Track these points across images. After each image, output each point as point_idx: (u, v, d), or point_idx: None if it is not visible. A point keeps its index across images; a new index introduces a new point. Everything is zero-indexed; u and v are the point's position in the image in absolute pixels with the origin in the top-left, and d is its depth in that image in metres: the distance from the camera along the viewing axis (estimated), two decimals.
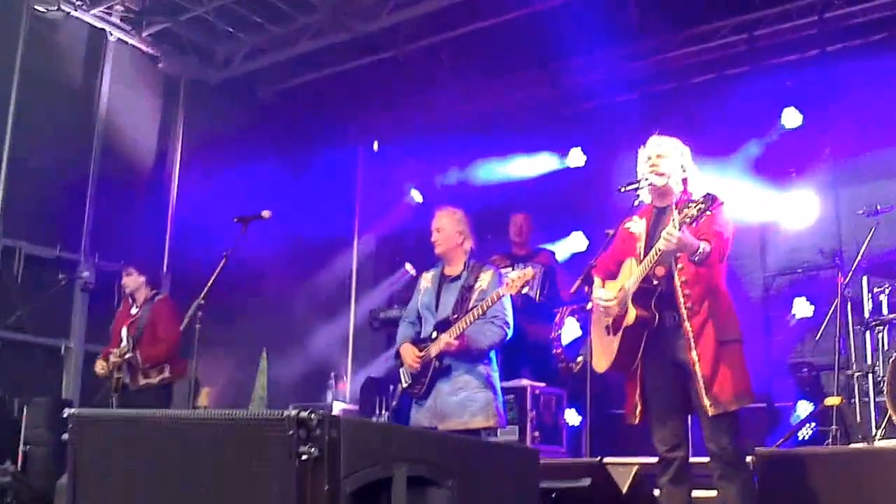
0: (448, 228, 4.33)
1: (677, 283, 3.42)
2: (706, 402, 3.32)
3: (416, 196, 8.88)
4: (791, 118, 7.05)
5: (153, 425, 2.64)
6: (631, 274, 3.51)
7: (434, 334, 4.19)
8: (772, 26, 7.17)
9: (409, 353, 4.24)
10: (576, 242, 7.75)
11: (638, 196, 3.63)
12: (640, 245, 3.56)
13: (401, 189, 8.97)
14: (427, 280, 4.43)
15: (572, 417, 6.74)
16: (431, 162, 8.80)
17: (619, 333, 3.48)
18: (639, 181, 3.59)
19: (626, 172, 4.03)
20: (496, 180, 8.45)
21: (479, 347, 4.13)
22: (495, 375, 4.24)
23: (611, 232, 3.77)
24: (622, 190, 3.64)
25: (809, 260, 6.88)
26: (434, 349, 4.15)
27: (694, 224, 3.26)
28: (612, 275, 3.67)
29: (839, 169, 6.97)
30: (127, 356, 5.44)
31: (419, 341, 4.30)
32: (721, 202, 3.46)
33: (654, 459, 3.56)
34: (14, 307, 6.26)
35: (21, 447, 5.59)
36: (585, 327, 6.30)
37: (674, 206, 3.34)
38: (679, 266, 3.41)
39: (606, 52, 7.74)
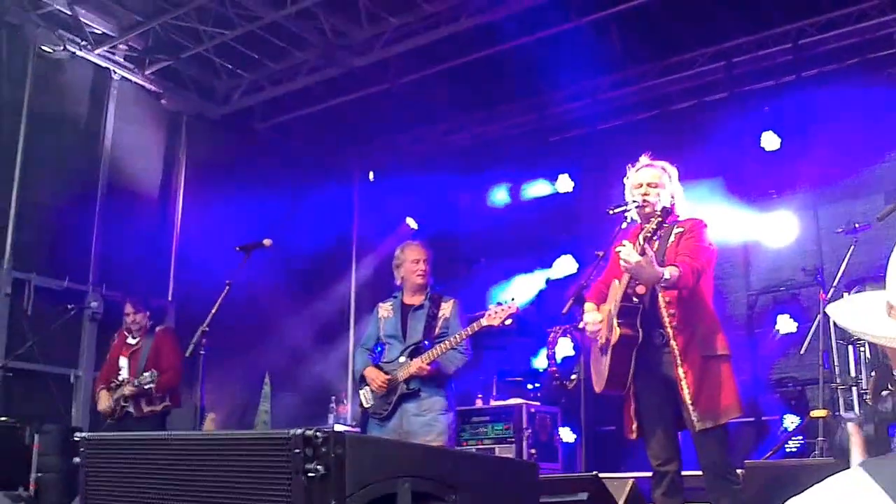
0: (428, 263, 4.53)
1: (661, 302, 3.50)
2: (693, 417, 3.40)
3: (412, 223, 9.05)
4: (770, 141, 7.22)
5: (163, 447, 2.67)
6: (615, 294, 3.61)
7: (402, 359, 4.38)
8: (749, 53, 7.41)
9: (377, 377, 4.41)
10: (566, 265, 7.94)
11: (626, 219, 3.72)
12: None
13: (396, 217, 9.13)
14: (386, 310, 4.61)
15: (567, 435, 6.87)
16: (425, 190, 8.99)
17: (609, 353, 3.58)
18: (626, 204, 3.69)
19: (613, 196, 4.18)
20: (487, 206, 8.67)
21: (446, 373, 4.37)
22: (454, 400, 4.49)
23: (601, 253, 3.85)
24: (611, 212, 3.75)
25: (791, 278, 7.05)
26: (403, 373, 4.35)
27: (657, 238, 3.37)
28: (604, 297, 3.76)
29: (818, 189, 7.13)
30: (147, 386, 5.47)
31: (381, 366, 4.48)
32: (704, 224, 3.59)
33: (649, 474, 3.64)
34: (25, 338, 6.37)
35: (33, 474, 5.65)
36: (578, 346, 6.49)
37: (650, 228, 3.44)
38: (662, 286, 3.49)
39: (591, 81, 8.03)
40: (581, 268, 7.63)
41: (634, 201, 3.64)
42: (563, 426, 6.79)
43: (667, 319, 3.49)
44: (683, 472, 3.59)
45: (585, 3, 6.77)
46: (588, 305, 3.79)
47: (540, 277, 8.10)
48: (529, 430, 6.34)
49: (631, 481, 4.13)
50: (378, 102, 8.47)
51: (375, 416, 4.46)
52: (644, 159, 3.77)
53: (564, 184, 8.28)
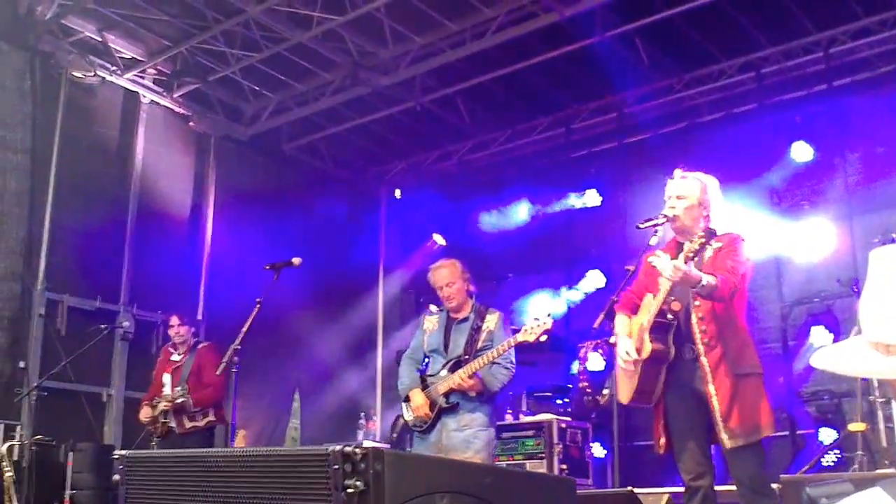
0: (457, 281, 4.45)
1: (694, 319, 3.46)
2: (724, 435, 3.35)
3: (439, 240, 9.06)
4: (802, 152, 7.12)
5: (199, 464, 2.68)
6: (649, 308, 3.56)
7: (444, 373, 4.33)
8: (778, 63, 7.34)
9: (420, 408, 4.34)
10: (595, 280, 7.89)
11: (656, 232, 3.66)
12: (662, 280, 3.56)
13: (423, 233, 9.16)
14: (432, 322, 4.57)
15: (597, 450, 6.79)
16: (452, 206, 9.02)
17: (640, 366, 3.54)
18: (656, 218, 3.65)
19: (641, 210, 4.13)
20: (514, 222, 8.65)
21: (492, 388, 4.26)
22: (495, 416, 4.40)
23: (631, 268, 3.79)
24: (641, 226, 3.69)
25: (825, 289, 6.92)
26: (443, 386, 4.29)
27: (697, 258, 3.32)
28: (636, 308, 3.71)
29: (852, 199, 7.03)
30: (179, 400, 5.55)
31: (426, 377, 4.44)
32: (739, 238, 3.53)
33: (683, 489, 3.57)
34: (59, 357, 6.46)
35: (67, 491, 5.75)
36: (610, 361, 6.42)
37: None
38: (696, 303, 3.46)
39: (618, 95, 8.01)
40: (609, 282, 7.57)
41: (665, 214, 3.61)
42: (594, 441, 6.70)
43: (699, 336, 3.45)
44: (719, 488, 3.52)
45: (611, 17, 6.76)
46: (620, 318, 3.73)
47: (569, 293, 8.05)
48: (560, 446, 6.27)
49: (666, 496, 4.07)
50: (403, 121, 8.54)
51: (416, 429, 4.41)
52: (677, 172, 3.73)
53: (592, 198, 8.24)
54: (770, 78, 7.44)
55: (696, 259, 3.33)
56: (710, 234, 3.33)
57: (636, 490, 4.28)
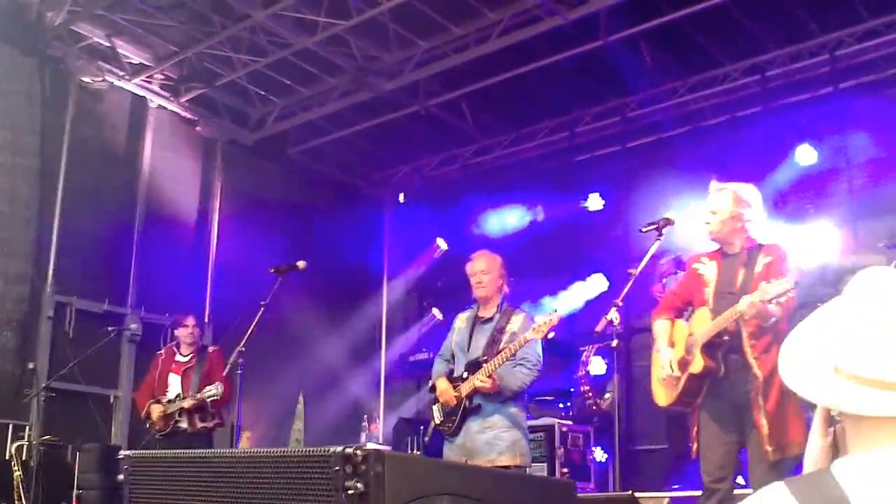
0: (493, 272, 4.44)
1: (744, 333, 3.47)
2: (768, 447, 3.35)
3: (442, 244, 9.08)
4: (806, 155, 7.05)
5: (203, 465, 2.71)
6: (703, 323, 3.55)
7: (465, 374, 4.31)
8: (783, 66, 7.31)
9: (447, 390, 4.34)
10: (597, 283, 7.89)
11: (658, 237, 3.74)
12: (709, 291, 3.61)
13: (427, 238, 9.17)
14: (462, 321, 4.55)
15: (598, 454, 6.80)
16: (455, 210, 9.03)
17: (685, 377, 3.56)
18: (658, 223, 3.72)
19: (645, 214, 4.15)
20: (516, 226, 8.66)
21: (511, 389, 4.22)
22: (522, 415, 4.34)
23: (633, 272, 3.85)
24: (643, 230, 3.77)
25: (831, 293, 6.88)
26: (465, 388, 4.26)
27: (742, 267, 3.35)
28: (679, 312, 3.73)
29: (857, 203, 6.97)
30: (210, 398, 5.53)
31: (451, 379, 4.40)
32: (786, 252, 3.55)
33: (684, 493, 3.66)
34: (67, 359, 6.53)
35: (74, 491, 5.82)
36: (611, 365, 6.43)
37: (744, 257, 3.46)
38: (745, 317, 3.45)
39: (622, 98, 8.01)
40: (612, 286, 7.58)
41: (666, 218, 3.71)
42: (596, 445, 6.71)
43: (748, 350, 3.46)
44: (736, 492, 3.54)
45: (615, 20, 6.77)
46: (662, 324, 3.73)
47: (571, 296, 8.06)
48: (562, 450, 6.29)
49: (666, 500, 4.09)
50: (408, 125, 8.57)
51: (444, 431, 4.39)
52: (713, 185, 3.73)
53: (595, 202, 8.24)
54: (775, 81, 7.39)
55: (740, 267, 3.37)
56: (787, 285, 3.28)
57: (637, 494, 4.30)
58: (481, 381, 4.17)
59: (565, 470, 6.18)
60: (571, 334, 7.55)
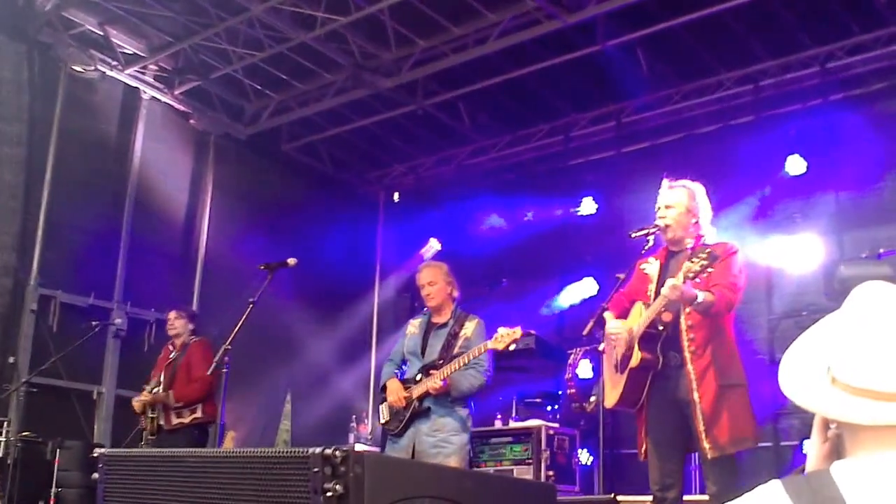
0: (439, 282, 4.52)
1: (683, 326, 3.51)
2: (706, 444, 3.38)
3: (435, 244, 9.07)
4: (795, 165, 7.14)
5: (179, 464, 2.71)
6: (640, 316, 3.61)
7: (419, 377, 4.38)
8: (775, 77, 7.39)
9: (397, 390, 4.41)
10: (587, 287, 7.92)
11: (648, 241, 3.75)
12: (651, 287, 3.67)
13: (420, 237, 9.16)
14: (414, 326, 4.64)
15: (584, 457, 6.81)
16: (449, 211, 9.03)
17: (626, 374, 3.60)
18: (648, 227, 3.74)
19: (637, 219, 4.17)
20: (510, 228, 8.68)
21: (459, 391, 4.30)
22: (470, 420, 4.42)
23: (622, 276, 3.88)
24: (633, 235, 3.78)
25: (814, 302, 6.95)
26: (417, 390, 4.34)
27: (697, 279, 3.34)
28: (626, 312, 3.77)
29: (842, 213, 7.06)
30: (155, 393, 5.55)
31: (403, 382, 4.48)
32: (735, 250, 3.57)
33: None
34: (50, 353, 6.39)
35: (54, 489, 5.71)
36: (598, 368, 6.44)
37: (688, 253, 3.48)
38: (686, 310, 3.50)
39: (617, 104, 8.04)
40: (601, 290, 7.61)
41: (656, 224, 3.68)
42: (582, 448, 6.73)
43: (686, 343, 3.49)
44: (690, 498, 3.64)
45: (613, 26, 6.79)
46: (610, 315, 3.79)
47: (561, 299, 8.08)
48: (548, 452, 6.29)
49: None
50: (404, 124, 8.55)
51: (390, 432, 4.46)
52: (665, 182, 3.80)
53: (588, 206, 8.28)
54: (767, 91, 7.47)
55: (695, 278, 3.36)
56: (713, 257, 3.32)
57: (620, 497, 4.31)
58: (433, 383, 4.26)
59: (551, 472, 6.19)
60: (560, 337, 7.58)
